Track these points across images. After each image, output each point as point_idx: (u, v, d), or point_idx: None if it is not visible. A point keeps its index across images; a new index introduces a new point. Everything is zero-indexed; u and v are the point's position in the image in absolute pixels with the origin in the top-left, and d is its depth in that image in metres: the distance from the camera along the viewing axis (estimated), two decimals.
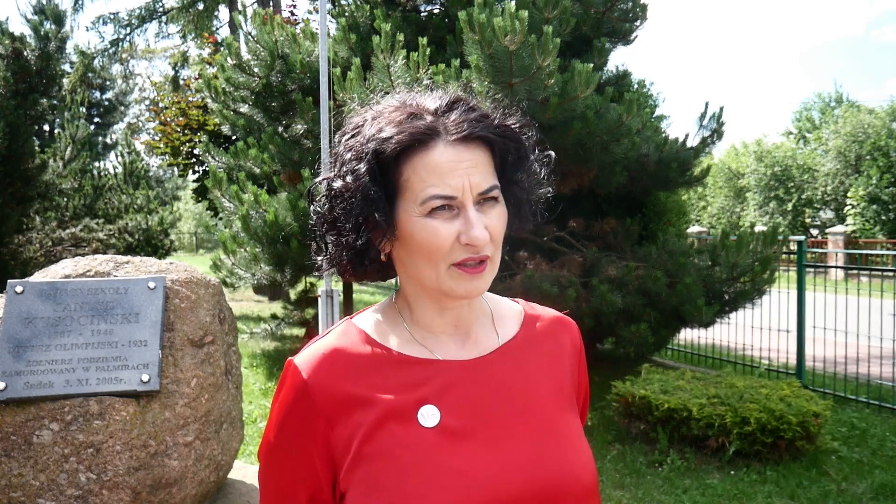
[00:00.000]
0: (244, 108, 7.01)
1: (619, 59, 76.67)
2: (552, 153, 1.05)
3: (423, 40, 5.16)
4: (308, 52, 6.63)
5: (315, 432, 0.93)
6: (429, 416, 0.92)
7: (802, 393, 4.77)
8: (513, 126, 0.97)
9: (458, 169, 0.90)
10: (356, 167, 0.93)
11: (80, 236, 10.46)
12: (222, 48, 9.38)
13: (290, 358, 0.99)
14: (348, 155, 0.95)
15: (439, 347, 0.99)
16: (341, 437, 0.92)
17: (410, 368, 0.96)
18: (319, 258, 1.02)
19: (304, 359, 0.97)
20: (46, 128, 19.56)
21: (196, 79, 13.16)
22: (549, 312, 1.12)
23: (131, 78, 32.05)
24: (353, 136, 0.96)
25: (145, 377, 2.56)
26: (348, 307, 8.22)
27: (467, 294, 0.94)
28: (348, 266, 0.99)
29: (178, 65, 22.28)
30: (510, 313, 1.08)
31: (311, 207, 1.01)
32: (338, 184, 0.94)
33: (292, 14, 12.46)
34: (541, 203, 1.06)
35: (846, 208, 24.75)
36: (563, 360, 1.06)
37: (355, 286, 14.75)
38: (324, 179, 0.98)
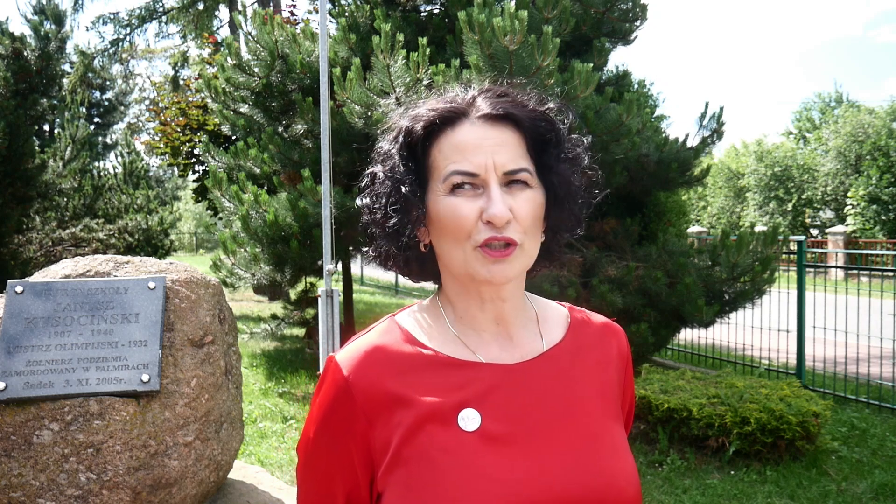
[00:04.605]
0: (244, 108, 7.01)
1: (619, 59, 76.83)
2: (590, 136, 1.04)
3: (423, 40, 5.16)
4: (308, 52, 6.63)
5: (354, 430, 0.92)
6: (469, 419, 0.90)
7: (802, 393, 4.77)
8: (545, 110, 0.96)
9: (482, 146, 0.90)
10: (389, 148, 0.97)
11: (80, 236, 10.47)
12: (222, 48, 9.37)
13: (331, 354, 0.98)
14: (385, 141, 0.99)
15: (482, 348, 0.96)
16: (381, 437, 0.91)
17: (452, 370, 0.94)
18: (365, 249, 1.04)
19: (346, 356, 0.96)
20: (46, 128, 19.56)
21: (196, 79, 13.15)
22: (596, 318, 1.09)
23: (131, 78, 32.11)
24: (390, 128, 1.00)
25: (145, 377, 2.56)
26: (348, 307, 8.21)
27: (491, 277, 0.90)
28: (393, 256, 0.99)
29: (178, 65, 22.32)
30: (556, 317, 1.05)
31: (357, 200, 1.03)
32: (376, 169, 0.98)
33: (292, 14, 12.44)
34: (590, 197, 1.02)
35: (846, 208, 24.74)
36: (609, 368, 1.03)
37: (355, 286, 14.73)
38: (369, 172, 1.00)
